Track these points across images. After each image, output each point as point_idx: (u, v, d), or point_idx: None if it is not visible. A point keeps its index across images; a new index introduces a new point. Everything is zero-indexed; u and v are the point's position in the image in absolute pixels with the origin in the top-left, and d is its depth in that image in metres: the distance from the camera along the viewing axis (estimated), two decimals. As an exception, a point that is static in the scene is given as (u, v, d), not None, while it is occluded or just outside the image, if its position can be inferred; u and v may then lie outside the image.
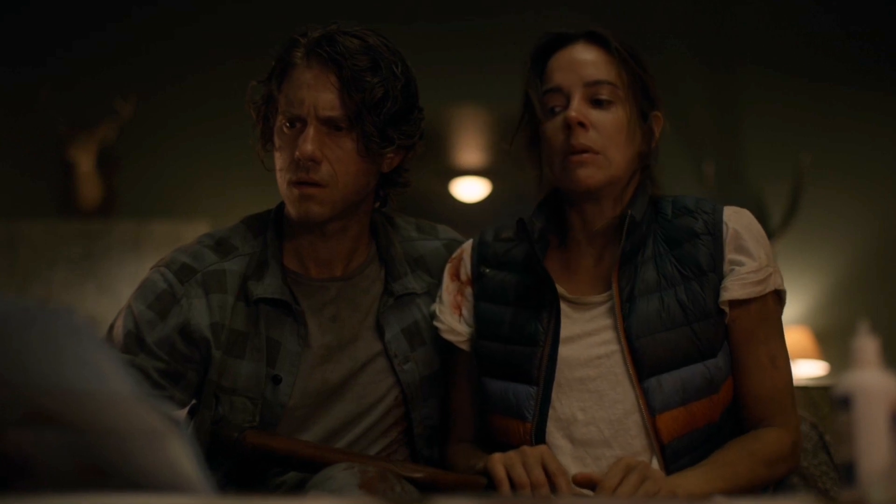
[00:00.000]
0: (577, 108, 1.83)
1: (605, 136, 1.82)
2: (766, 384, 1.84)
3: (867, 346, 1.21)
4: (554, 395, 1.84)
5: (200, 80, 5.15)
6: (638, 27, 4.88)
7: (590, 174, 1.82)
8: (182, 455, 1.14)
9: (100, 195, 5.10)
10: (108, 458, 1.18)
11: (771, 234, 4.83)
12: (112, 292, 4.99)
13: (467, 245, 2.01)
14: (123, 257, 5.02)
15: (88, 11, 5.24)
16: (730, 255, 1.84)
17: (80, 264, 5.02)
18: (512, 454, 1.74)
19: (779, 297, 1.87)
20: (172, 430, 1.14)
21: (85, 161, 5.06)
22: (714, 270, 1.83)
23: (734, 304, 1.83)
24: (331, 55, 1.83)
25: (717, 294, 1.82)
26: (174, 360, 1.87)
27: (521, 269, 1.91)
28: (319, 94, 1.82)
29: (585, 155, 1.82)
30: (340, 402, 1.92)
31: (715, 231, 1.85)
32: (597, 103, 1.84)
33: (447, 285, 1.98)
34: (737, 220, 1.87)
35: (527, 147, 1.94)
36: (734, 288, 1.81)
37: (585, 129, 1.82)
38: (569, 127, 1.82)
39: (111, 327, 1.94)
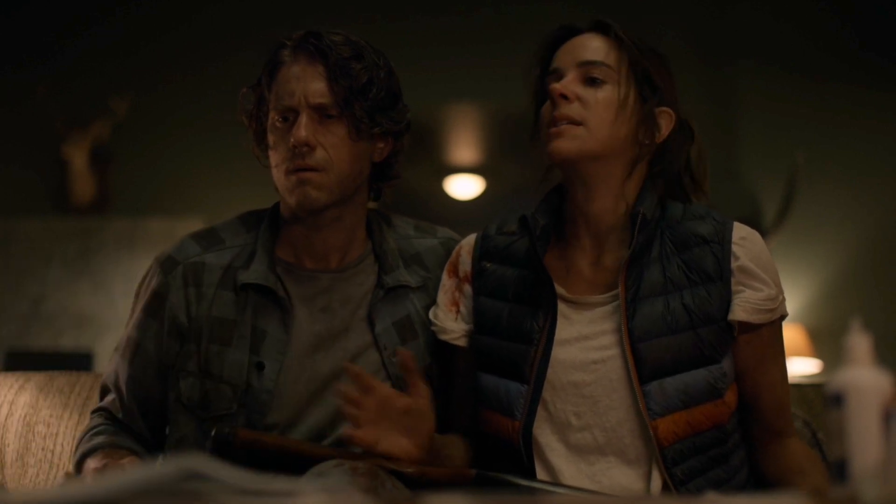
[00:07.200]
0: (565, 82, 1.83)
1: (589, 110, 1.81)
2: (779, 400, 1.88)
3: (859, 343, 1.21)
4: (549, 397, 1.83)
5: (196, 78, 5.14)
6: (633, 21, 4.88)
7: (563, 143, 1.81)
8: None
9: (94, 192, 5.10)
10: None
11: (765, 232, 4.85)
12: (107, 289, 4.99)
13: (465, 241, 2.00)
14: (119, 254, 5.02)
15: (84, 9, 5.23)
16: (740, 276, 1.83)
17: (76, 261, 5.01)
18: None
19: (782, 317, 1.88)
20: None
21: (79, 158, 5.06)
22: (721, 279, 1.82)
23: (745, 326, 1.83)
24: (317, 47, 1.91)
25: (723, 302, 1.82)
26: (169, 355, 1.96)
27: (522, 265, 1.90)
28: (309, 83, 1.90)
29: (564, 125, 1.81)
30: (333, 393, 1.93)
31: (723, 241, 1.84)
32: (590, 81, 1.83)
33: (444, 282, 1.98)
34: (749, 247, 1.85)
35: (535, 141, 1.92)
36: (749, 311, 1.81)
37: (569, 101, 1.81)
38: (554, 102, 1.82)
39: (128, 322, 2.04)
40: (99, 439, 1.97)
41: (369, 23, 4.53)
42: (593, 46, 1.86)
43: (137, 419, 2.00)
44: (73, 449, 2.04)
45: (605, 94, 1.82)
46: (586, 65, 1.84)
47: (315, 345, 1.95)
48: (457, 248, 2.01)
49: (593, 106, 1.81)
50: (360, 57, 1.92)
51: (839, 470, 1.17)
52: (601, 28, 1.88)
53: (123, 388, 1.99)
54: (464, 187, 5.50)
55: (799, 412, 2.12)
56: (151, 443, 2.00)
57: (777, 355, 1.88)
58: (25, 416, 2.30)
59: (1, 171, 5.14)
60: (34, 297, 4.99)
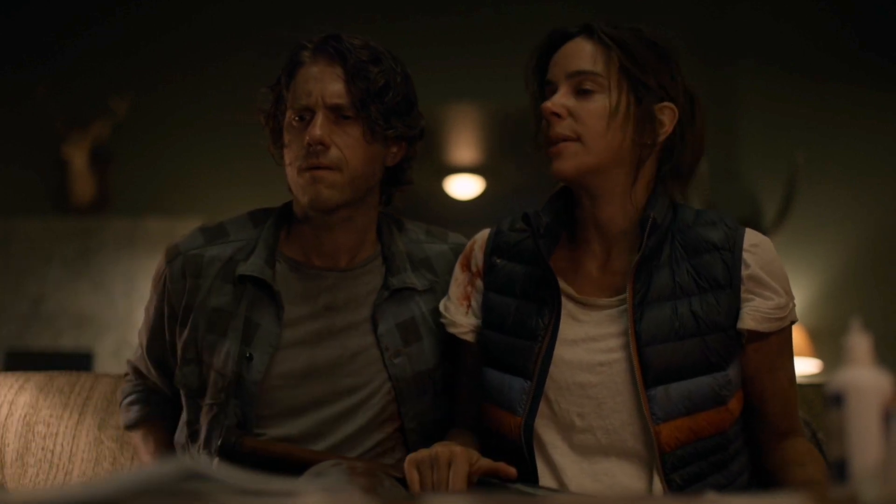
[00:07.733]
0: (556, 99, 1.82)
1: (583, 124, 1.80)
2: (786, 403, 1.88)
3: (859, 343, 1.21)
4: (553, 396, 1.83)
5: (196, 78, 5.14)
6: (633, 21, 4.88)
7: (563, 164, 1.81)
8: None
9: (94, 192, 5.10)
10: None
11: (765, 232, 4.84)
12: (107, 290, 4.99)
13: (479, 236, 2.01)
14: (119, 254, 5.02)
15: (84, 9, 5.23)
16: (750, 284, 1.82)
17: (76, 261, 5.01)
18: (424, 454, 1.74)
19: (792, 323, 1.88)
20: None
21: (79, 158, 5.06)
22: (730, 286, 1.82)
23: (754, 334, 1.82)
24: (337, 49, 1.94)
25: (732, 310, 1.82)
26: (170, 334, 2.04)
27: (530, 263, 1.91)
28: (326, 84, 1.93)
29: (561, 144, 1.81)
30: (331, 391, 1.95)
31: (734, 248, 1.83)
32: (582, 93, 1.82)
33: (457, 276, 1.99)
34: (760, 255, 1.85)
35: (539, 144, 1.92)
36: (758, 320, 1.81)
37: (561, 118, 1.81)
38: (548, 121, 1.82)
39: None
40: (134, 411, 2.14)
41: (369, 23, 4.53)
42: (582, 54, 1.84)
43: (159, 377, 2.11)
44: (119, 401, 2.18)
45: (595, 105, 1.81)
46: (576, 76, 1.83)
47: (314, 341, 1.97)
48: (470, 242, 2.02)
49: (585, 119, 1.81)
50: (378, 61, 1.95)
51: (839, 470, 1.16)
52: (590, 31, 1.86)
53: (144, 348, 2.11)
54: (464, 187, 5.50)
55: (799, 412, 2.12)
56: (175, 401, 2.08)
57: (786, 361, 1.87)
58: (25, 416, 2.30)
59: (1, 171, 5.14)
60: (34, 297, 4.99)
